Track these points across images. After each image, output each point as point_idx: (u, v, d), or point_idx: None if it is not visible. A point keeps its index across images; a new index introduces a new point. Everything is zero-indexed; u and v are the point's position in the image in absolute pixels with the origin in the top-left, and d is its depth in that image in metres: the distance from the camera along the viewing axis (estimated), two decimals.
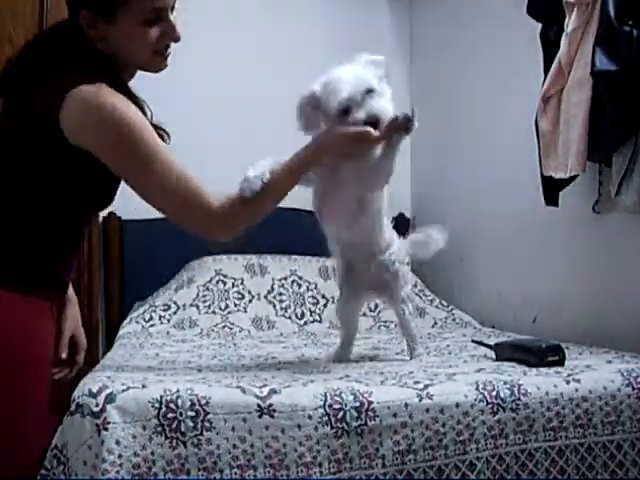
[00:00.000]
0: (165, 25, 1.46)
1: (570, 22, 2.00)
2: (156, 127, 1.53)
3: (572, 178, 2.06)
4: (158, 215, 3.04)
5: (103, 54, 1.44)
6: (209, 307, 2.52)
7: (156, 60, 1.50)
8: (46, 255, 1.44)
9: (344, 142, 1.59)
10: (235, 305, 2.55)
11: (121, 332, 2.39)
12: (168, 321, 2.45)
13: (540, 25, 2.18)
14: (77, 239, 1.54)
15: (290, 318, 2.57)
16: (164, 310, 2.50)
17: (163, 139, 1.55)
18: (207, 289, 2.57)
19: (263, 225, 2.96)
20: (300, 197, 3.08)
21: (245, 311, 2.54)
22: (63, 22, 1.49)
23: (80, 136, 1.38)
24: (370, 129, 1.54)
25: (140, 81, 1.59)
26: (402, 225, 3.17)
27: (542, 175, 2.14)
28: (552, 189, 2.15)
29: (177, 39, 1.49)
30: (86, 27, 1.42)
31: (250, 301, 2.58)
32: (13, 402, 1.35)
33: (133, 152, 1.41)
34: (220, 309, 2.52)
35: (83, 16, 1.41)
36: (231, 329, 2.44)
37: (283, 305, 2.60)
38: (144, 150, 1.42)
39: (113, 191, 1.58)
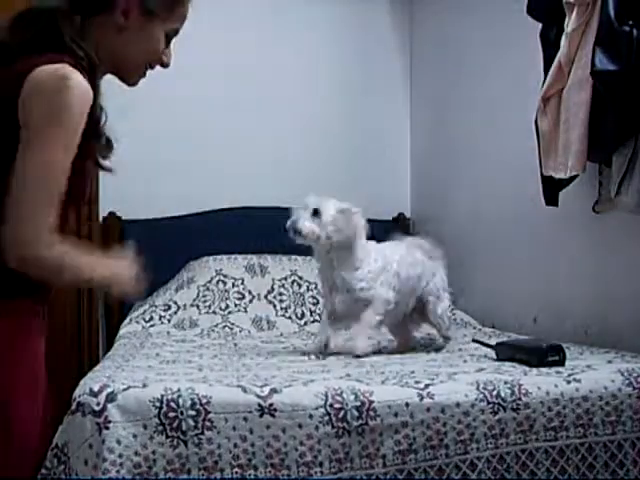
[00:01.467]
0: (168, 48, 1.52)
1: (570, 22, 2.00)
2: (103, 136, 1.46)
3: (572, 178, 2.06)
4: (158, 215, 3.07)
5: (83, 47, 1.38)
6: (209, 307, 2.52)
7: (140, 72, 1.52)
8: None
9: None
10: (235, 305, 2.55)
11: (121, 332, 2.39)
12: (168, 321, 2.45)
13: (540, 25, 2.18)
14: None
15: (290, 318, 2.57)
16: (164, 310, 2.49)
17: (98, 151, 1.46)
18: (207, 289, 2.57)
19: (263, 225, 2.99)
20: (300, 197, 3.10)
21: (245, 311, 2.54)
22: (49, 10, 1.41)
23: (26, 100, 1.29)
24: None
25: None
26: (402, 225, 3.18)
27: (542, 175, 2.14)
28: (552, 189, 2.15)
29: (167, 65, 1.53)
30: (120, 12, 1.40)
31: (250, 301, 2.58)
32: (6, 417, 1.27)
33: (48, 132, 1.29)
34: (220, 309, 2.52)
35: (128, 2, 1.40)
36: (231, 329, 2.44)
37: (283, 305, 2.60)
38: (63, 135, 1.30)
39: (85, 183, 1.44)
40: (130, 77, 1.53)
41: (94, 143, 1.42)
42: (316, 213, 1.96)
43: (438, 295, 2.05)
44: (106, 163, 1.48)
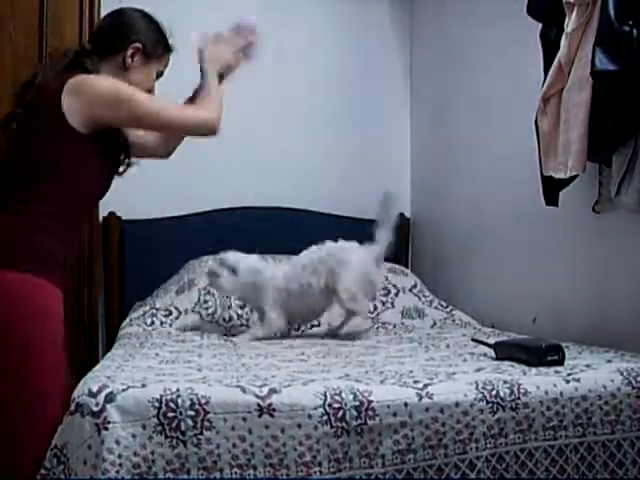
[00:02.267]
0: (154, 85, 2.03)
1: (570, 22, 2.00)
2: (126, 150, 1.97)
3: (572, 178, 2.06)
4: (158, 215, 3.07)
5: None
6: (212, 316, 2.51)
7: None
8: (52, 241, 1.71)
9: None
10: (238, 316, 2.54)
11: (121, 332, 2.39)
12: (170, 325, 2.45)
13: (540, 25, 2.18)
14: (78, 226, 1.85)
15: None
16: (165, 316, 2.48)
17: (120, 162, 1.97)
18: (208, 292, 2.56)
19: (263, 225, 2.98)
20: (300, 197, 3.10)
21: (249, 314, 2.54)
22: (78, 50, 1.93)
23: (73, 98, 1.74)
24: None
25: None
26: (402, 225, 3.18)
27: (542, 175, 2.14)
28: (552, 189, 2.15)
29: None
30: (129, 54, 1.92)
31: None
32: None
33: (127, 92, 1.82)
34: (224, 320, 2.51)
35: (134, 47, 1.92)
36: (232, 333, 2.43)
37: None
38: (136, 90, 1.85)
39: (109, 177, 1.92)
40: None
41: (118, 153, 1.94)
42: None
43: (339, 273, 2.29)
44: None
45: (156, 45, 1.99)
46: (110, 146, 1.87)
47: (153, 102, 1.90)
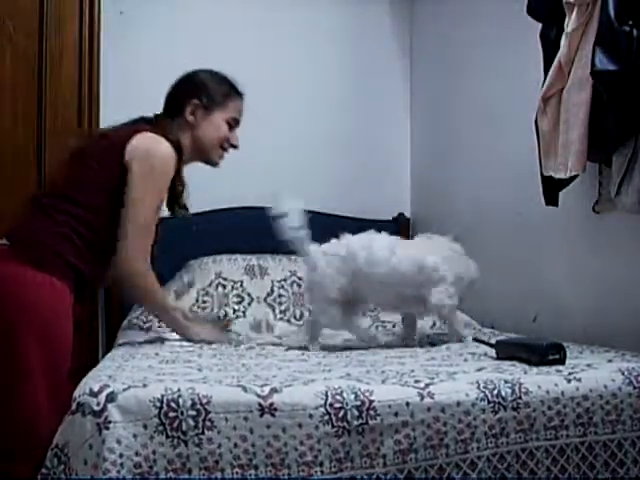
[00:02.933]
0: (233, 132, 2.17)
1: (570, 22, 2.00)
2: (183, 206, 2.18)
3: (572, 178, 2.06)
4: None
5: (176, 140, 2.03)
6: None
7: (218, 152, 2.17)
8: (76, 259, 1.89)
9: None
10: (234, 311, 2.54)
11: (121, 332, 2.39)
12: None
13: (540, 25, 2.18)
14: (102, 260, 1.98)
15: (289, 321, 2.56)
16: None
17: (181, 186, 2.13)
18: (207, 294, 2.56)
19: (263, 225, 2.98)
20: (300, 197, 3.09)
21: (244, 316, 2.54)
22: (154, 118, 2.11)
23: (132, 155, 1.92)
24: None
25: None
26: (402, 225, 3.18)
27: (542, 175, 2.14)
28: (552, 189, 2.15)
29: (236, 147, 2.20)
30: (188, 112, 2.09)
31: (249, 304, 2.58)
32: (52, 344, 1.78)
33: (152, 187, 1.96)
34: (219, 318, 2.51)
35: (192, 104, 2.09)
36: (229, 331, 2.43)
37: (282, 308, 2.59)
38: (157, 193, 1.98)
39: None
40: (210, 158, 2.18)
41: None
42: None
43: None
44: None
45: (215, 94, 2.10)
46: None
47: (151, 210, 1.97)
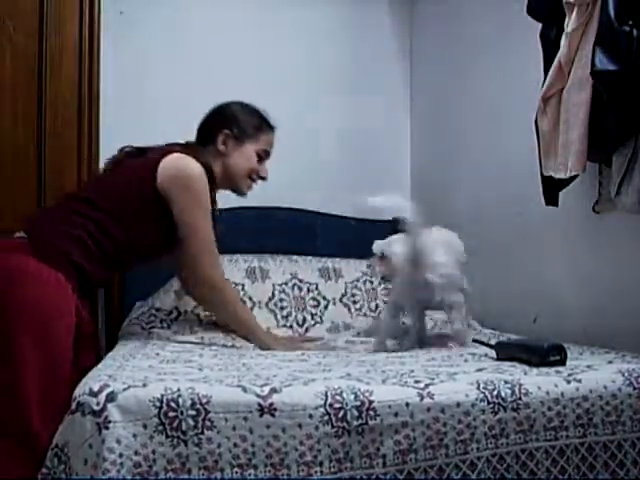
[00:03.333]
0: (263, 164, 2.25)
1: (570, 22, 2.00)
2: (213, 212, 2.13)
3: (572, 178, 2.06)
4: None
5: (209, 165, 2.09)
6: (211, 316, 2.51)
7: (247, 182, 2.24)
8: (84, 261, 1.92)
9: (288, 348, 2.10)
10: None
11: (121, 332, 2.39)
12: (168, 326, 2.44)
13: (540, 25, 2.18)
14: (120, 262, 2.08)
15: (291, 327, 2.56)
16: (166, 315, 2.48)
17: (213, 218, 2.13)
18: None
19: (263, 225, 2.98)
20: (300, 197, 3.10)
21: None
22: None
23: (165, 180, 1.99)
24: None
25: None
26: (402, 225, 3.18)
27: (542, 175, 2.14)
28: (552, 189, 2.15)
29: (265, 178, 2.28)
30: (220, 141, 2.17)
31: (251, 309, 2.57)
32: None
33: (199, 205, 2.04)
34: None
35: (224, 133, 2.17)
36: (234, 338, 2.42)
37: (284, 313, 2.58)
38: (206, 211, 2.06)
39: (164, 248, 2.12)
40: (239, 187, 2.25)
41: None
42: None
43: None
44: None
45: (247, 126, 2.18)
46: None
47: (207, 226, 2.06)
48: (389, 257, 2.18)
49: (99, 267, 1.97)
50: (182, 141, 2.19)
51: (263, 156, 2.23)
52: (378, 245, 2.22)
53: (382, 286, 2.67)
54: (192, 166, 2.01)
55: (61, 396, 1.42)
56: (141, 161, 2.05)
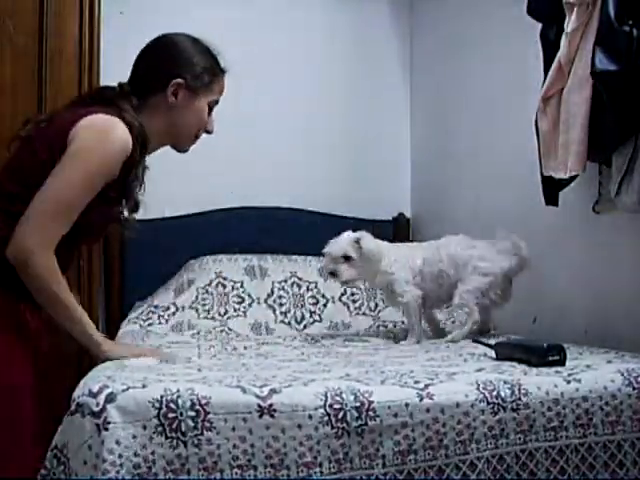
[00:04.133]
0: (211, 116, 1.84)
1: (570, 22, 2.00)
2: (132, 198, 1.74)
3: (572, 178, 2.06)
4: (158, 215, 3.07)
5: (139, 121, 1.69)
6: (208, 312, 2.51)
7: (192, 140, 1.86)
8: None
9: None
10: (235, 310, 2.54)
11: (121, 332, 2.39)
12: (166, 322, 2.45)
13: (540, 25, 2.18)
14: (66, 262, 1.68)
15: (289, 324, 2.56)
16: (163, 310, 2.49)
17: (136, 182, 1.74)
18: (207, 292, 2.57)
19: (263, 225, 2.98)
20: (300, 197, 3.10)
21: (245, 316, 2.54)
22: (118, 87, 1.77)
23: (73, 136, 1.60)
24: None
25: None
26: (402, 225, 3.18)
27: (542, 175, 2.14)
28: (552, 189, 2.15)
29: (211, 132, 1.86)
30: (170, 92, 1.75)
31: (250, 305, 2.58)
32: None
33: (82, 163, 1.60)
34: (219, 314, 2.51)
35: (175, 83, 1.75)
36: (228, 334, 2.43)
37: (283, 309, 2.59)
38: (86, 174, 1.60)
39: (105, 227, 1.80)
40: (182, 145, 1.86)
41: (122, 198, 1.72)
42: (347, 258, 2.21)
43: (463, 279, 2.23)
44: (127, 230, 1.80)
45: (202, 74, 1.78)
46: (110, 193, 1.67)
47: (66, 195, 1.59)
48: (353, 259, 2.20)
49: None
50: (110, 86, 1.81)
51: (212, 106, 1.83)
52: (339, 246, 2.22)
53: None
54: (117, 131, 1.62)
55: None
56: (50, 129, 1.66)
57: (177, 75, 1.75)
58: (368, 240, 2.24)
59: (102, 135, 1.61)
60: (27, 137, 1.69)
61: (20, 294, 1.60)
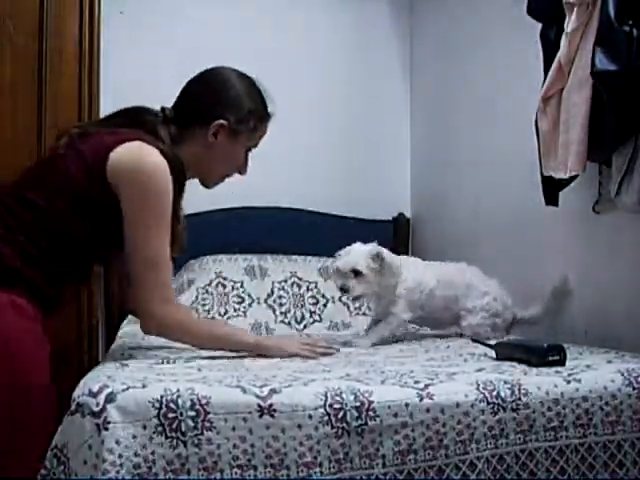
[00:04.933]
0: (247, 159, 1.85)
1: (570, 22, 2.00)
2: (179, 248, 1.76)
3: (572, 178, 2.06)
4: None
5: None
6: (208, 312, 2.52)
7: (221, 179, 1.89)
8: (50, 282, 1.62)
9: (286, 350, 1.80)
10: (235, 310, 2.55)
11: (121, 332, 2.39)
12: None
13: (540, 25, 2.18)
14: (79, 277, 1.76)
15: (289, 324, 2.56)
16: None
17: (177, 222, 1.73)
18: (206, 292, 2.57)
19: (263, 225, 2.98)
20: (300, 197, 3.10)
21: (245, 316, 2.54)
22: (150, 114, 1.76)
23: (117, 176, 1.59)
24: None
25: None
26: (402, 225, 3.19)
27: (542, 175, 2.15)
28: (552, 189, 2.15)
29: (243, 174, 1.89)
30: (211, 132, 1.74)
31: (250, 305, 2.58)
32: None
33: (151, 211, 1.61)
34: (219, 314, 2.51)
35: (217, 124, 1.73)
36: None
37: (283, 309, 2.59)
38: (159, 218, 1.62)
39: (120, 244, 1.70)
40: (209, 181, 1.87)
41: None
42: (357, 273, 2.08)
43: (471, 311, 2.23)
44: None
45: (247, 118, 1.76)
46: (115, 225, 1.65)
47: (163, 242, 1.63)
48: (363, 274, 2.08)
49: (46, 276, 1.62)
50: (151, 107, 1.79)
51: (252, 149, 1.85)
52: (348, 261, 2.10)
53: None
54: (152, 160, 1.60)
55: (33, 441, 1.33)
56: (86, 148, 1.63)
57: (221, 116, 1.74)
58: (387, 254, 2.14)
59: (158, 178, 1.61)
60: (56, 147, 1.68)
61: (39, 302, 1.62)
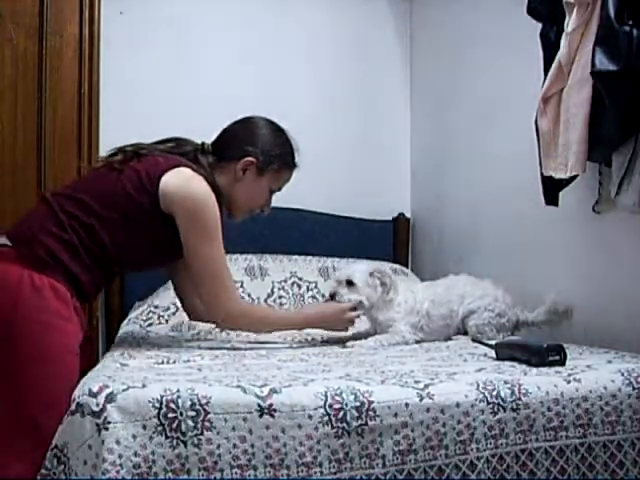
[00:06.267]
0: (270, 199, 2.08)
1: (570, 22, 2.00)
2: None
3: (572, 178, 2.06)
4: None
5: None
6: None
7: (245, 214, 2.09)
8: (91, 279, 1.80)
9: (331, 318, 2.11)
10: None
11: (121, 332, 2.39)
12: (166, 322, 2.45)
13: (540, 25, 2.18)
14: (110, 279, 1.96)
15: None
16: (163, 310, 2.49)
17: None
18: None
19: (263, 225, 2.98)
20: (300, 197, 3.11)
21: None
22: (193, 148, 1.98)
23: (172, 205, 1.81)
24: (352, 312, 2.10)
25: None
26: (402, 225, 3.19)
27: (542, 175, 2.14)
28: (552, 189, 2.15)
29: (267, 214, 2.11)
30: (240, 167, 1.97)
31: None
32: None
33: (205, 230, 1.85)
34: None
35: (247, 161, 1.96)
36: (229, 334, 2.43)
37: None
38: (214, 234, 1.87)
39: (163, 260, 2.01)
40: (235, 213, 2.07)
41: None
42: (350, 283, 2.14)
43: (475, 311, 2.23)
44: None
45: (272, 160, 1.99)
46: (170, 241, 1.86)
47: (221, 259, 1.90)
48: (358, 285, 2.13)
49: (90, 275, 1.80)
50: (193, 141, 2.00)
51: (273, 192, 2.06)
52: (346, 272, 2.18)
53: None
54: (202, 191, 1.83)
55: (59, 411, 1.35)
56: (141, 167, 1.84)
57: (251, 154, 1.96)
58: (387, 272, 2.21)
59: (208, 199, 1.84)
60: (111, 162, 1.87)
61: (73, 293, 1.76)
